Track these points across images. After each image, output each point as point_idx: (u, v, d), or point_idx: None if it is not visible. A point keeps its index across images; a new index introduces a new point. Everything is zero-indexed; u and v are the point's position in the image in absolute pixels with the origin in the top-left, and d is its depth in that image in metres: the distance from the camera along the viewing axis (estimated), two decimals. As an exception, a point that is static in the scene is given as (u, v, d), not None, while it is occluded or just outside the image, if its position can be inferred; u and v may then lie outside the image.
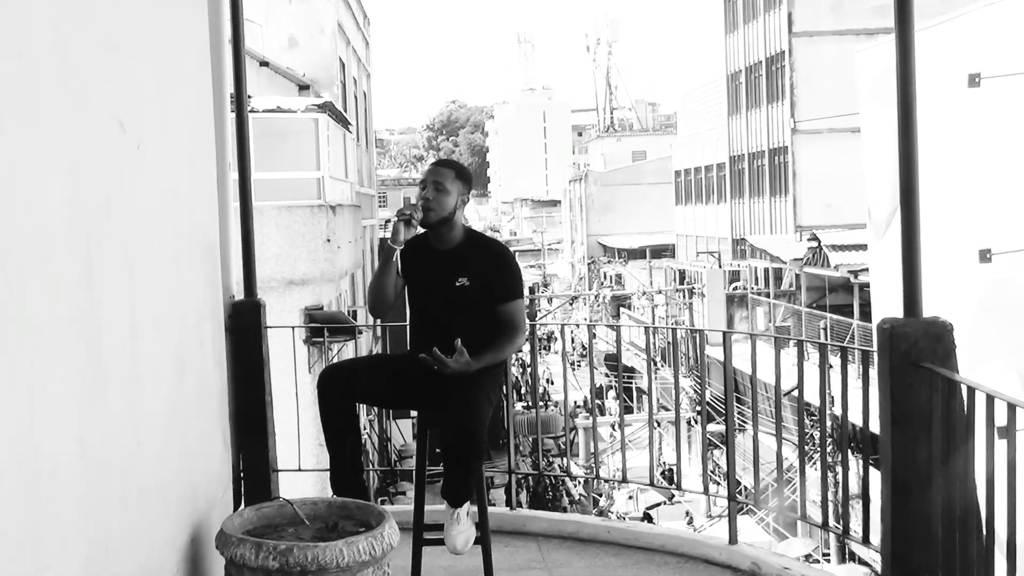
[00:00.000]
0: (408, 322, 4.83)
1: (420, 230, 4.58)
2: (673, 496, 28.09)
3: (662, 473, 29.37)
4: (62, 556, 2.41)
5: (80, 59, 2.76)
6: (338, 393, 4.47)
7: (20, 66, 2.25)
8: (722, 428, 27.39)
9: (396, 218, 4.47)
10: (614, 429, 31.45)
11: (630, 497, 29.20)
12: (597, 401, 39.52)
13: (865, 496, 4.33)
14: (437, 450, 4.49)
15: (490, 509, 4.80)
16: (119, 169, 3.10)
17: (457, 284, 4.52)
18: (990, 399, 3.43)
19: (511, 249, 4.82)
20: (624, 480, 6.11)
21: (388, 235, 4.53)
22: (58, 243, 2.49)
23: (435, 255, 4.60)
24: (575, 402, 35.75)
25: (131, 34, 3.37)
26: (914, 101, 3.88)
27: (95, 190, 2.83)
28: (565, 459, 32.03)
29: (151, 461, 3.33)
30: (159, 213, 3.65)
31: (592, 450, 32.70)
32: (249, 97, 6.53)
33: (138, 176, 3.34)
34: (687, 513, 27.31)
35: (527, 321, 4.73)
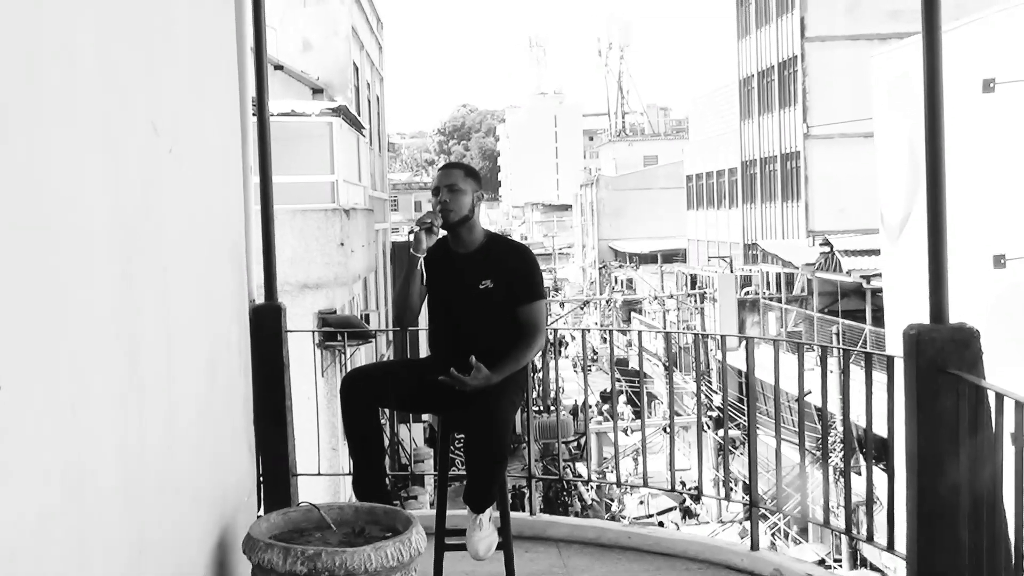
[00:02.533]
0: (428, 327, 4.81)
1: (442, 233, 4.58)
2: (685, 501, 28.08)
3: (683, 485, 29.33)
4: (103, 559, 2.43)
5: (120, 61, 2.79)
6: (361, 398, 4.47)
7: (65, 68, 2.27)
8: (737, 433, 27.38)
9: (416, 227, 4.47)
10: (627, 434, 31.42)
11: (641, 502, 29.20)
12: (605, 405, 39.43)
13: (891, 502, 4.33)
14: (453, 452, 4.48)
15: (511, 514, 4.79)
16: (155, 172, 3.13)
17: (481, 287, 4.51)
18: (1019, 405, 3.42)
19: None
20: (644, 484, 6.11)
21: (408, 240, 4.52)
22: (100, 246, 2.50)
23: (457, 259, 4.59)
24: (590, 405, 35.58)
25: (165, 38, 3.40)
26: (941, 107, 3.88)
27: (135, 193, 2.85)
28: (579, 464, 32.06)
29: (184, 464, 3.35)
30: (191, 217, 3.68)
31: (605, 455, 32.73)
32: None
33: (172, 179, 3.37)
34: (687, 513, 27.28)
35: (546, 324, 4.72)
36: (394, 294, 4.62)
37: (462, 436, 4.48)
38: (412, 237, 4.48)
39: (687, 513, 27.94)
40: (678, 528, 26.09)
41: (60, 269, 2.21)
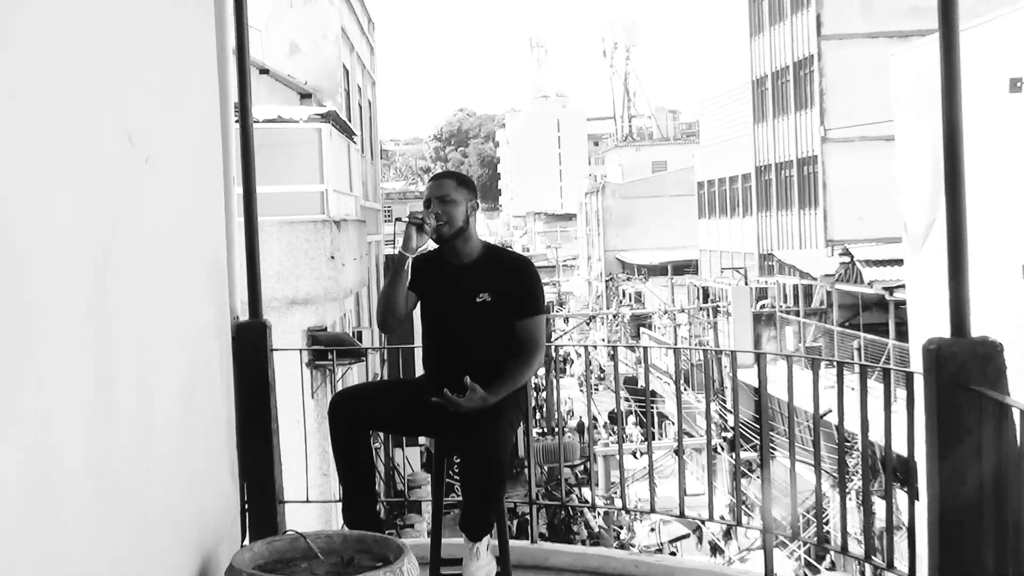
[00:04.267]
0: (420, 344, 4.81)
1: (433, 246, 4.58)
2: (699, 528, 28.01)
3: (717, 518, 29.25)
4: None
5: (91, 66, 2.79)
6: (350, 420, 4.47)
7: (32, 73, 2.28)
8: (751, 455, 27.34)
9: (407, 220, 4.43)
10: (636, 456, 31.38)
11: (652, 529, 29.13)
12: (613, 426, 39.47)
13: (911, 526, 4.33)
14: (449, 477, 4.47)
15: (510, 542, 4.79)
16: (128, 184, 3.13)
17: (478, 300, 4.50)
18: (1045, 423, 3.43)
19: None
20: (652, 510, 6.10)
21: (398, 246, 4.49)
22: (69, 262, 2.51)
23: (452, 271, 4.58)
24: (596, 426, 35.77)
25: (139, 40, 3.41)
26: (959, 107, 3.90)
27: (106, 206, 2.86)
28: (584, 489, 32.02)
29: (160, 491, 3.35)
30: (169, 230, 3.69)
31: (613, 479, 32.68)
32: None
33: (147, 191, 3.38)
34: (698, 536, 27.21)
35: (546, 340, 4.71)
36: (379, 295, 4.61)
37: (458, 461, 4.47)
38: (400, 232, 4.44)
39: (715, 549, 27.91)
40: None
41: (25, 287, 2.21)
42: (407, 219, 4.43)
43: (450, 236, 4.52)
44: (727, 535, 28.26)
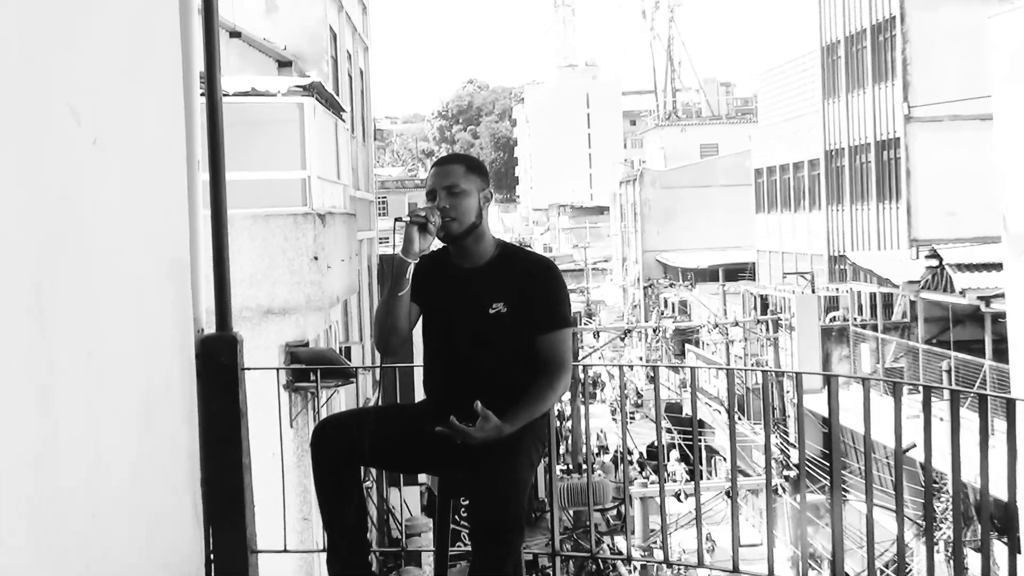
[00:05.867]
0: (422, 363, 4.80)
1: (438, 244, 4.57)
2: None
3: None
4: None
5: (29, 30, 2.80)
6: (337, 454, 4.48)
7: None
8: (819, 498, 27.28)
9: (408, 220, 4.41)
10: (680, 499, 31.34)
11: (698, 587, 29.06)
12: (652, 463, 39.38)
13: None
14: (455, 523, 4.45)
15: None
16: (75, 170, 3.14)
17: (491, 311, 4.50)
18: None
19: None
20: (700, 564, 6.09)
21: (397, 249, 4.47)
22: (3, 261, 2.51)
23: (460, 275, 4.58)
24: (632, 462, 35.55)
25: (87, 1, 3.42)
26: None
27: (46, 196, 2.87)
28: (617, 537, 31.96)
29: (113, 536, 3.36)
30: (120, 224, 3.69)
31: (652, 526, 32.64)
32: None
33: (97, 179, 3.38)
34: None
35: (572, 359, 4.69)
36: (377, 310, 4.59)
37: (467, 503, 4.47)
38: (400, 233, 4.42)
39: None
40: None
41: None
42: (408, 218, 4.40)
43: (460, 234, 4.51)
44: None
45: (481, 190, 4.56)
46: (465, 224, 4.50)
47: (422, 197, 4.59)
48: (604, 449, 44.93)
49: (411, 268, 4.45)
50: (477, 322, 4.51)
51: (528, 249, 4.94)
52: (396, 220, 4.44)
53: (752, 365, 37.68)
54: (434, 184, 4.54)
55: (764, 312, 41.09)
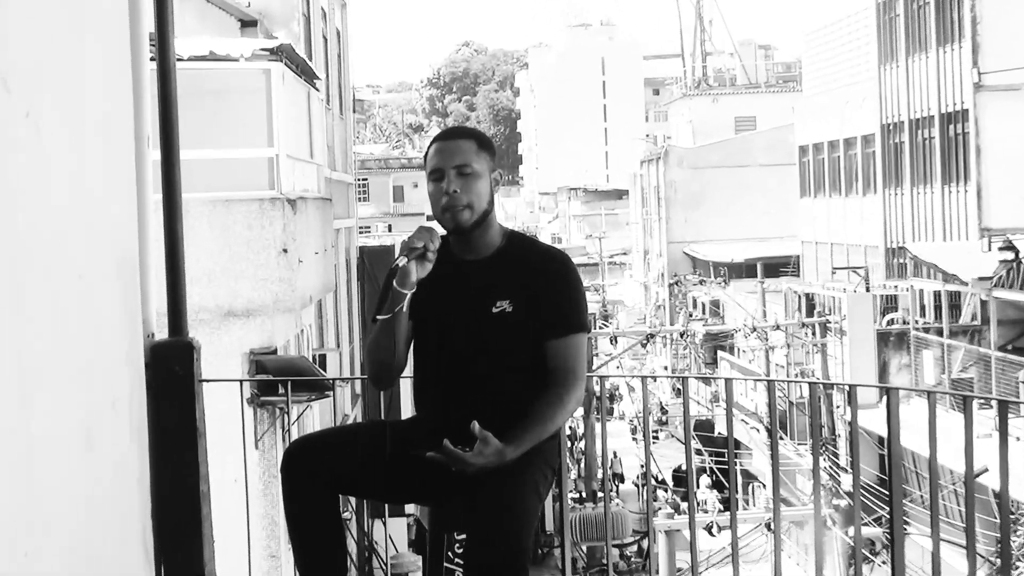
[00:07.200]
0: (413, 373, 4.79)
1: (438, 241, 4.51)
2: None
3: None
4: None
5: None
6: (311, 479, 4.48)
7: None
8: (875, 531, 27.28)
9: (406, 260, 4.36)
10: (712, 533, 31.35)
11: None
12: (680, 490, 39.45)
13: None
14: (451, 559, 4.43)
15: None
16: (3, 148, 3.14)
17: (495, 310, 4.49)
18: None
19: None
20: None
21: (391, 268, 4.40)
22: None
23: (460, 269, 4.56)
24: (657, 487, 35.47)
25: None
26: None
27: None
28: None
29: (51, 574, 3.35)
30: (57, 212, 3.69)
31: (680, 563, 32.64)
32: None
33: (29, 159, 3.38)
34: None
35: (587, 368, 4.69)
36: (368, 345, 4.58)
37: (463, 537, 4.47)
38: (396, 267, 4.37)
39: None
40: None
41: None
42: (405, 259, 4.34)
43: (473, 224, 4.49)
44: None
45: (492, 171, 4.56)
46: (479, 211, 4.48)
47: (409, 178, 4.58)
48: (618, 477, 44.81)
49: (408, 298, 4.43)
50: (477, 323, 4.50)
51: (539, 240, 4.91)
52: (393, 269, 4.37)
53: (796, 376, 37.69)
54: (441, 163, 4.48)
55: (810, 314, 41.06)
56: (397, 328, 4.50)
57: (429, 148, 4.57)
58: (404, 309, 4.46)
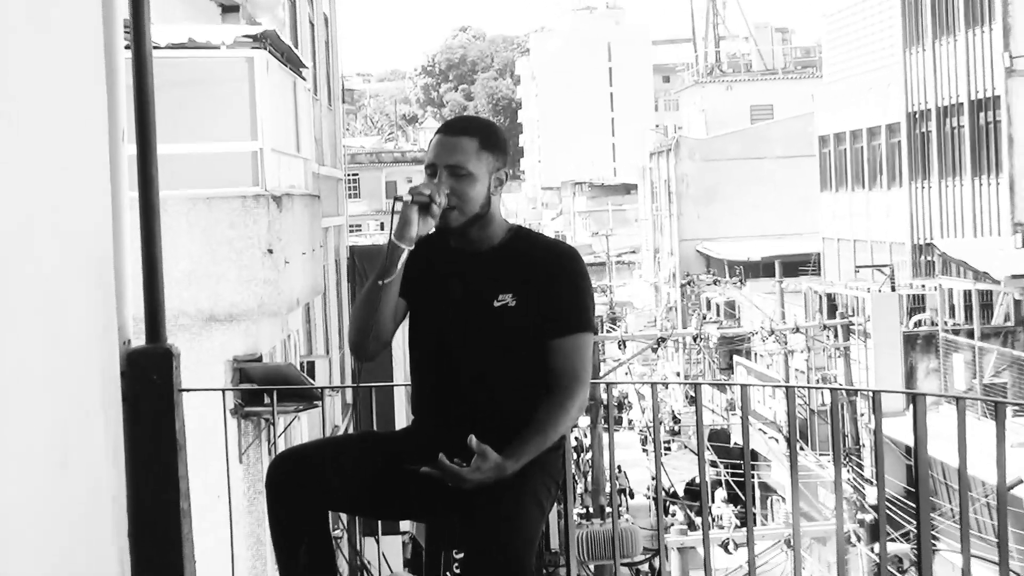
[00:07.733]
0: (409, 376, 4.78)
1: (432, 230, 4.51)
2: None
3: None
4: None
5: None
6: (299, 495, 4.48)
7: None
8: (902, 548, 27.29)
9: (408, 199, 4.37)
10: (728, 550, 31.37)
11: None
12: (694, 504, 39.55)
13: None
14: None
15: None
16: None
17: (496, 304, 4.49)
18: None
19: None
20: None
21: (390, 230, 4.40)
22: None
23: (459, 262, 4.58)
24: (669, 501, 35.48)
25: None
26: None
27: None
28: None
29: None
30: (25, 211, 3.69)
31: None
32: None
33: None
34: None
35: (592, 373, 4.67)
36: (356, 304, 4.55)
37: (460, 556, 4.47)
38: (397, 213, 4.40)
39: None
40: None
41: None
42: (408, 197, 4.35)
43: (463, 226, 4.50)
44: None
45: (494, 171, 4.55)
46: (467, 215, 4.49)
47: (403, 173, 4.58)
48: (627, 493, 44.73)
49: (404, 255, 4.43)
50: (477, 318, 4.50)
51: (546, 235, 4.89)
52: (395, 199, 4.39)
53: (817, 381, 37.70)
54: (435, 158, 4.50)
55: (832, 315, 41.08)
56: (388, 287, 4.47)
57: (433, 140, 4.57)
58: (400, 266, 4.44)
